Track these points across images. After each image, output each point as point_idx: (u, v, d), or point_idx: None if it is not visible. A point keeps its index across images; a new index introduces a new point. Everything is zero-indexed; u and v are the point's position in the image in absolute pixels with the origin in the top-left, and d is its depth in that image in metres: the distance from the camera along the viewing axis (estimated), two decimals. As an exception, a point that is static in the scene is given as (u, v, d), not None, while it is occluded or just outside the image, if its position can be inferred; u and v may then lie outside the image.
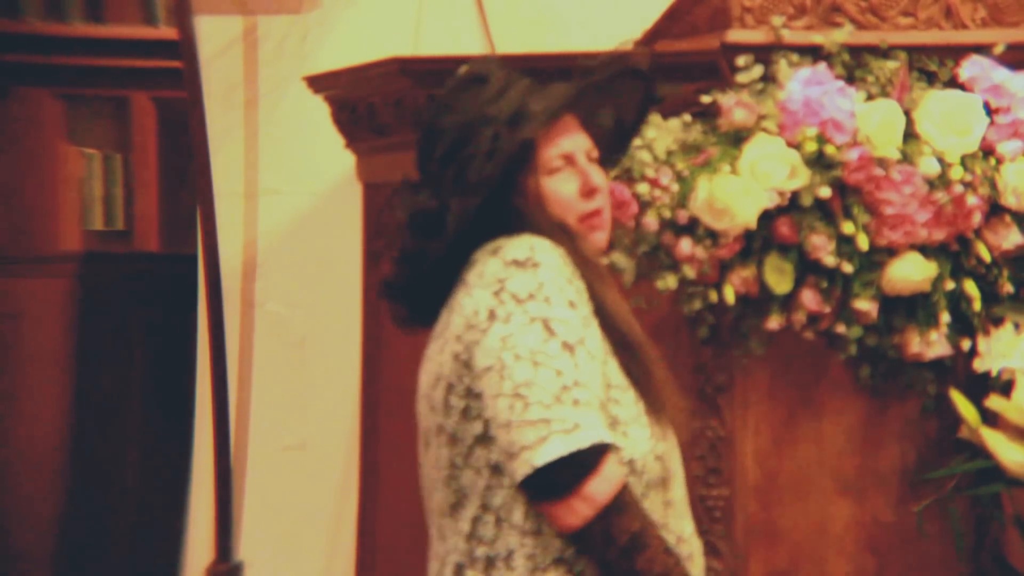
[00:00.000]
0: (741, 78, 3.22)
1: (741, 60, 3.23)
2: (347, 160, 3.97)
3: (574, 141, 2.59)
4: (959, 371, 3.28)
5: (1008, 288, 3.26)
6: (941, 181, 3.18)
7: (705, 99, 3.22)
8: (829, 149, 3.15)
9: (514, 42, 4.26)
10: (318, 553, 4.36)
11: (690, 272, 3.16)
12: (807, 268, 3.19)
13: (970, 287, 3.25)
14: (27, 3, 5.19)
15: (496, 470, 2.39)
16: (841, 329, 3.22)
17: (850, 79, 3.23)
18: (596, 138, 2.63)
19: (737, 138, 3.19)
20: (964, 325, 3.26)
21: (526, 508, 2.38)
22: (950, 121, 3.20)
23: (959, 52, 3.28)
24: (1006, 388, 3.21)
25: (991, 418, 3.20)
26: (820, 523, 3.31)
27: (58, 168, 5.24)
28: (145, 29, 5.25)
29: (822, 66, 3.21)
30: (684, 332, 3.27)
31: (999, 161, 3.23)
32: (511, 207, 2.50)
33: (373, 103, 3.67)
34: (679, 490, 2.52)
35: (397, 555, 3.88)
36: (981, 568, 3.33)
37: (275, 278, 4.41)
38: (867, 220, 3.18)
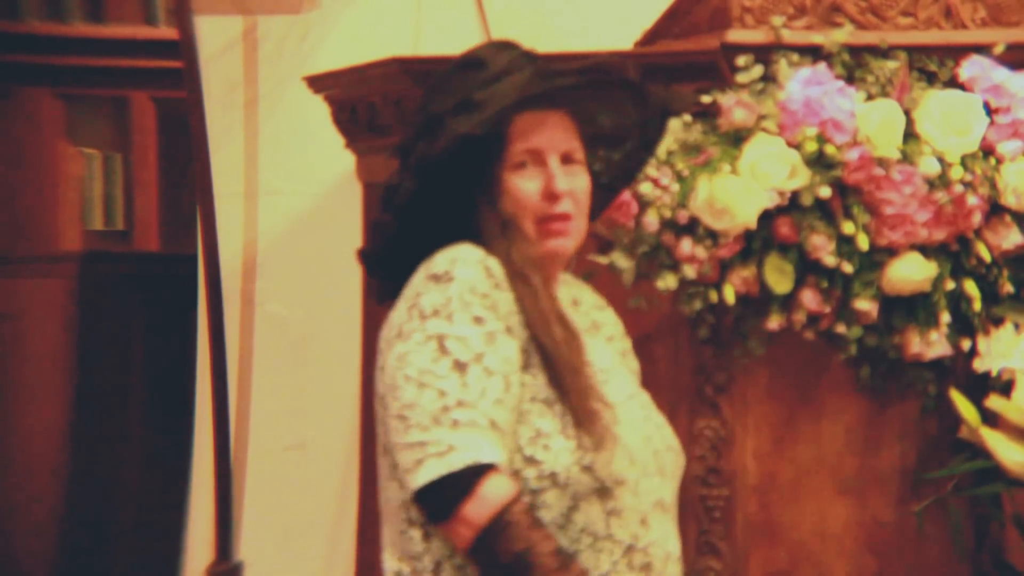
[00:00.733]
0: (741, 78, 3.22)
1: (741, 60, 3.23)
2: (347, 160, 3.96)
3: (549, 138, 2.49)
4: (959, 371, 3.28)
5: (1008, 288, 3.26)
6: (941, 181, 3.18)
7: (705, 99, 3.22)
8: (829, 149, 3.15)
9: (514, 42, 4.25)
10: (318, 553, 4.36)
11: (690, 272, 3.16)
12: (807, 268, 3.19)
13: (970, 287, 3.25)
14: (27, 3, 5.19)
15: None
16: (841, 329, 3.22)
17: (850, 79, 3.23)
18: (603, 145, 2.59)
19: (737, 138, 3.19)
20: (964, 325, 3.26)
21: None
22: (950, 121, 3.20)
23: (959, 52, 3.28)
24: (1006, 388, 3.21)
25: (991, 418, 3.20)
26: (820, 523, 3.31)
27: (58, 168, 5.24)
28: (145, 29, 5.25)
29: (822, 66, 3.21)
30: (684, 332, 3.27)
31: (999, 161, 3.23)
32: (473, 200, 2.47)
33: (373, 103, 3.67)
34: (636, 497, 2.43)
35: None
36: (981, 568, 3.33)
37: (275, 278, 4.41)
38: (867, 220, 3.18)
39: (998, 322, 3.25)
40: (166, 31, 5.05)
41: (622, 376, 2.56)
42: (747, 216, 3.14)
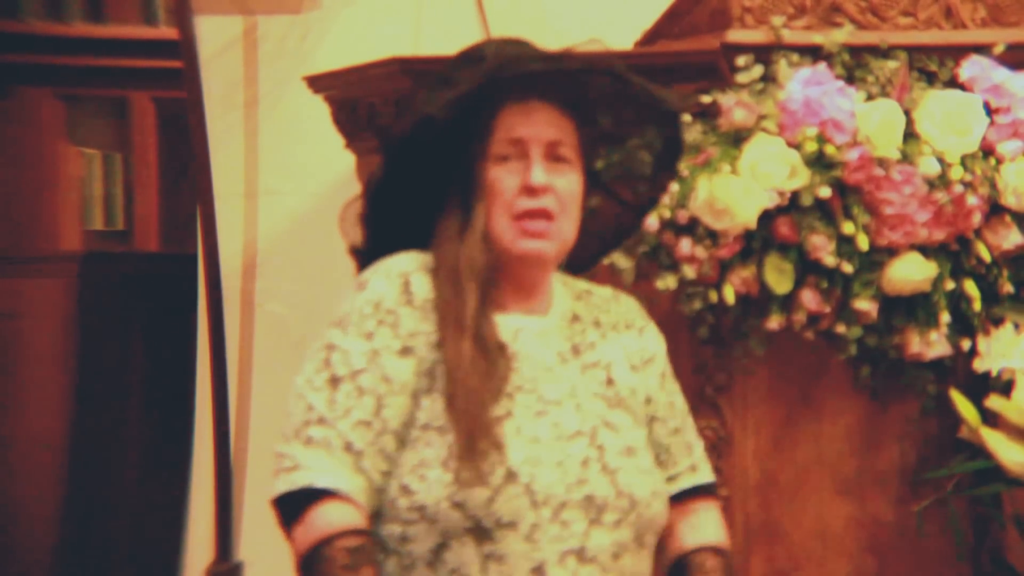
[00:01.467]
0: (741, 78, 3.22)
1: (741, 60, 3.23)
2: (347, 160, 3.96)
3: (534, 129, 2.36)
4: (959, 371, 3.29)
5: (1008, 288, 3.26)
6: (941, 181, 3.18)
7: (705, 99, 3.22)
8: (829, 149, 3.15)
9: (514, 42, 4.26)
10: (318, 553, 4.35)
11: (690, 272, 3.16)
12: (807, 268, 3.19)
13: (970, 287, 3.25)
14: (27, 3, 5.19)
15: None
16: (841, 329, 3.22)
17: (850, 79, 3.23)
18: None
19: (737, 138, 3.19)
20: (964, 325, 3.26)
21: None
22: (950, 121, 3.20)
23: (959, 52, 3.28)
24: (1006, 388, 3.21)
25: (991, 418, 3.20)
26: (820, 523, 3.31)
27: (58, 168, 5.24)
28: (145, 29, 5.25)
29: (822, 66, 3.21)
30: (684, 332, 3.27)
31: (999, 161, 3.23)
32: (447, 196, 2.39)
33: (373, 103, 3.67)
34: (530, 544, 2.26)
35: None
36: (981, 568, 3.34)
37: (275, 278, 4.41)
38: (867, 220, 3.18)
39: (998, 322, 3.26)
40: (166, 31, 5.05)
41: (575, 412, 2.36)
42: (747, 216, 3.14)
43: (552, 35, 4.19)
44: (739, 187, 3.14)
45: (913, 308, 3.24)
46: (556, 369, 2.39)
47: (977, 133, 3.22)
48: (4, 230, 5.16)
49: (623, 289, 2.59)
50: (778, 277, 3.18)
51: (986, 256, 3.24)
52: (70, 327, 5.17)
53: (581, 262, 2.52)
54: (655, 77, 3.25)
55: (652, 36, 3.46)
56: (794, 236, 3.17)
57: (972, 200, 3.19)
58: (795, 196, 3.16)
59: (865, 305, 3.20)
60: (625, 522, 2.33)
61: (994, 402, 3.20)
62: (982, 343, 3.25)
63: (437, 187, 2.41)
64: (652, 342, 2.50)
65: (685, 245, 3.16)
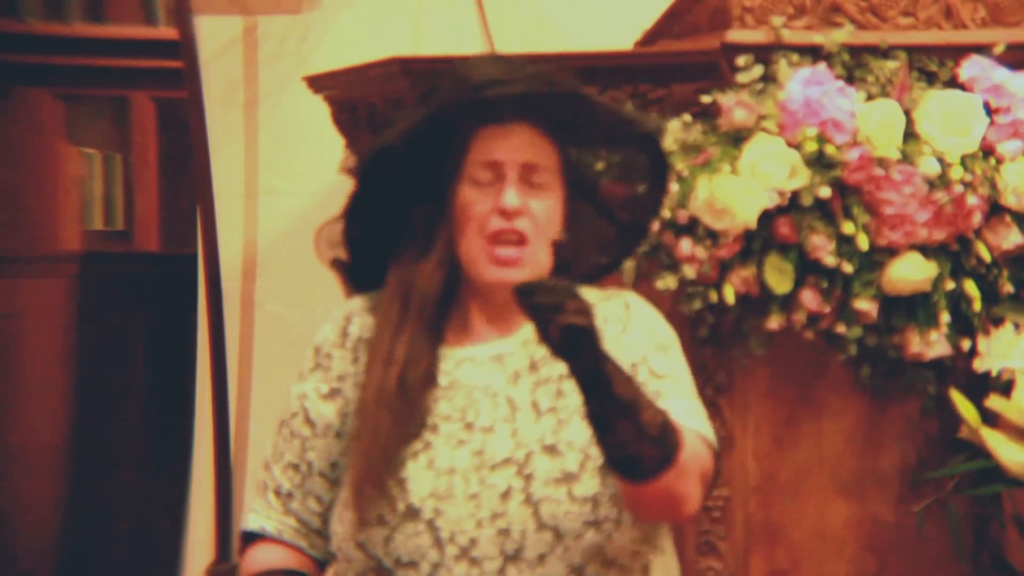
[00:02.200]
0: (741, 78, 3.22)
1: (741, 60, 3.23)
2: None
3: (509, 151, 2.29)
4: (959, 371, 3.28)
5: (1008, 288, 3.26)
6: (941, 181, 3.18)
7: (705, 99, 3.22)
8: (829, 149, 3.15)
9: (514, 42, 4.26)
10: (318, 553, 4.35)
11: (690, 272, 3.16)
12: (807, 268, 3.19)
13: (970, 287, 3.25)
14: (27, 3, 5.19)
15: None
16: (841, 329, 3.22)
17: (850, 79, 3.23)
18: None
19: (737, 138, 3.19)
20: (964, 325, 3.26)
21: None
22: (950, 121, 3.20)
23: (959, 52, 3.28)
24: (1006, 388, 3.21)
25: (991, 418, 3.20)
26: (820, 523, 3.31)
27: (58, 168, 5.24)
28: (145, 29, 5.25)
29: (822, 66, 3.21)
30: (684, 332, 3.26)
31: (999, 161, 3.23)
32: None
33: (373, 103, 3.67)
34: None
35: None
36: (981, 568, 3.33)
37: (275, 278, 4.41)
38: (867, 220, 3.18)
39: (998, 322, 3.25)
40: (166, 31, 5.05)
41: (508, 438, 2.27)
42: (747, 216, 3.14)
43: (552, 35, 4.20)
44: (739, 187, 3.14)
45: (913, 308, 3.24)
46: (502, 393, 2.31)
47: (977, 133, 3.21)
48: (4, 230, 5.16)
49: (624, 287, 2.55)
50: (778, 277, 3.18)
51: (986, 256, 3.24)
52: (70, 327, 5.17)
53: (589, 273, 2.46)
54: (655, 77, 3.28)
55: (652, 36, 3.46)
56: (794, 236, 3.17)
57: (972, 200, 3.19)
58: (795, 196, 3.16)
59: (865, 305, 3.20)
60: (552, 556, 2.23)
61: (994, 402, 3.20)
62: (982, 343, 3.25)
63: (408, 204, 2.36)
64: (635, 334, 2.38)
65: (685, 245, 3.16)
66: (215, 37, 4.39)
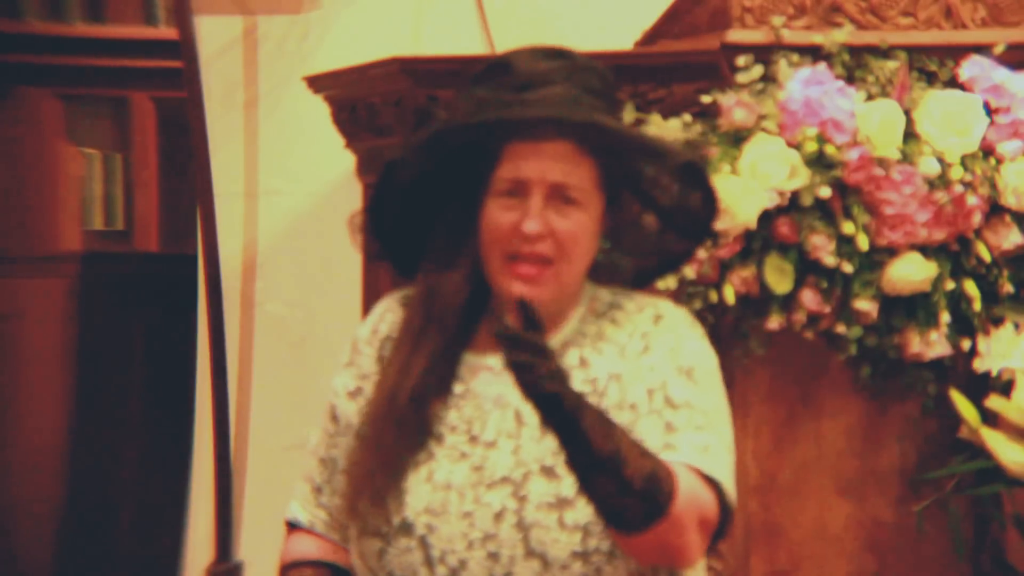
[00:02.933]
0: (741, 78, 3.22)
1: (741, 60, 3.23)
2: (347, 160, 3.96)
3: (538, 169, 2.19)
4: (959, 371, 3.28)
5: (1008, 288, 3.26)
6: (941, 181, 3.18)
7: (705, 99, 3.22)
8: (829, 149, 3.15)
9: (514, 42, 4.25)
10: (318, 553, 4.35)
11: (690, 272, 3.16)
12: (807, 268, 3.19)
13: (970, 287, 3.25)
14: (27, 3, 5.19)
15: None
16: (841, 329, 3.22)
17: (850, 79, 3.23)
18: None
19: (737, 138, 3.19)
20: (964, 325, 3.26)
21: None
22: (950, 121, 3.20)
23: (959, 52, 3.28)
24: (1006, 388, 3.21)
25: (991, 418, 3.20)
26: (820, 523, 3.31)
27: (58, 168, 5.25)
28: (145, 29, 5.25)
29: (822, 66, 3.21)
30: (684, 332, 3.26)
31: (999, 161, 3.23)
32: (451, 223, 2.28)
33: (373, 103, 3.67)
34: None
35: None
36: (981, 568, 3.33)
37: (275, 278, 4.41)
38: (867, 220, 3.18)
39: (998, 322, 3.25)
40: (166, 31, 5.05)
41: (510, 455, 2.22)
42: (747, 216, 3.14)
43: (552, 35, 4.20)
44: (739, 187, 3.13)
45: (913, 308, 3.24)
46: (512, 405, 2.23)
47: (977, 133, 3.21)
48: (4, 230, 5.17)
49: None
50: (778, 277, 3.18)
51: (986, 256, 3.24)
52: (70, 327, 5.18)
53: (643, 277, 2.42)
54: (655, 77, 3.28)
55: (652, 36, 3.46)
56: (794, 236, 3.17)
57: (972, 200, 3.19)
58: (795, 196, 3.16)
59: (865, 305, 3.20)
60: None
61: (994, 402, 3.20)
62: (982, 343, 3.25)
63: (438, 206, 2.30)
64: (656, 355, 2.28)
65: (685, 245, 3.16)
66: (215, 37, 4.39)
